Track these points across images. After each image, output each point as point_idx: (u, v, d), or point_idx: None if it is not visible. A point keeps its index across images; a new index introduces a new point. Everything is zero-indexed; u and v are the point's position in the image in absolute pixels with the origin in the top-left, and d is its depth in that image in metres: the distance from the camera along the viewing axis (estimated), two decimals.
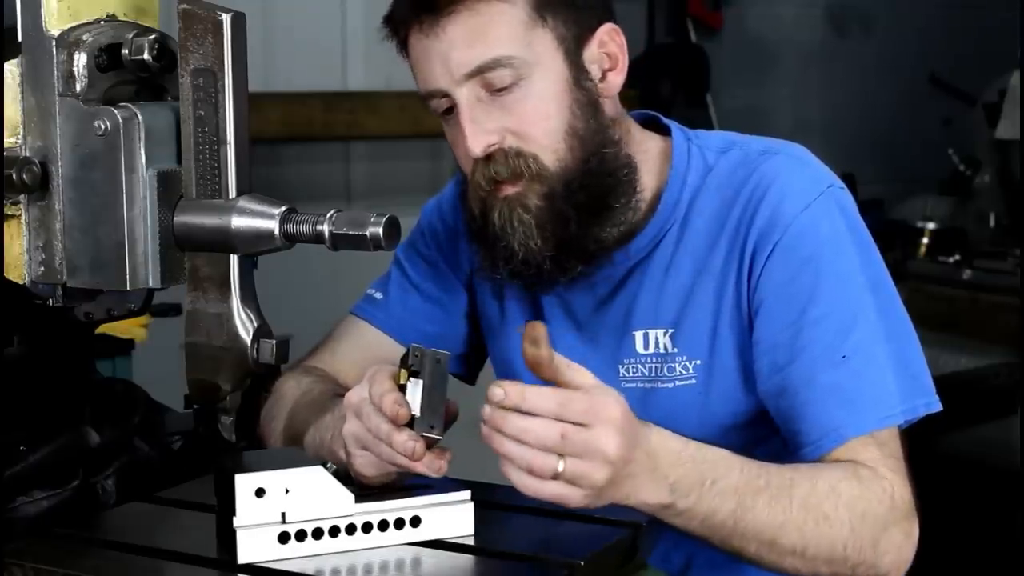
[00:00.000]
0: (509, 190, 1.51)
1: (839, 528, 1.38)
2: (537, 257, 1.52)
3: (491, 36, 1.48)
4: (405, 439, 1.27)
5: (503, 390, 1.24)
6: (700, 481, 1.33)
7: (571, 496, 1.26)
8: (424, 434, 1.27)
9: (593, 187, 1.53)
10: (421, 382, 1.28)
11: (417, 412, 1.28)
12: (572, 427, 1.23)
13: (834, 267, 1.50)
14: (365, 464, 1.33)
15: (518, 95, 1.50)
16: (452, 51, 1.48)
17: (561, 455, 1.24)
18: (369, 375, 1.32)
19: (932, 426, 1.54)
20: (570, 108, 1.52)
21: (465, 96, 1.50)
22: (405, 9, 1.52)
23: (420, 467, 1.29)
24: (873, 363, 1.47)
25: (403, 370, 1.30)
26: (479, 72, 1.48)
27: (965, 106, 5.06)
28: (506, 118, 1.50)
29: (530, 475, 1.25)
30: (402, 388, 1.29)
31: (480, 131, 1.50)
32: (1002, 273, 4.01)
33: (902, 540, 1.42)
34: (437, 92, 1.52)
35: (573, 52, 1.53)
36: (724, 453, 1.37)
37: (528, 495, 1.26)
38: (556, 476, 1.24)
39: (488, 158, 1.50)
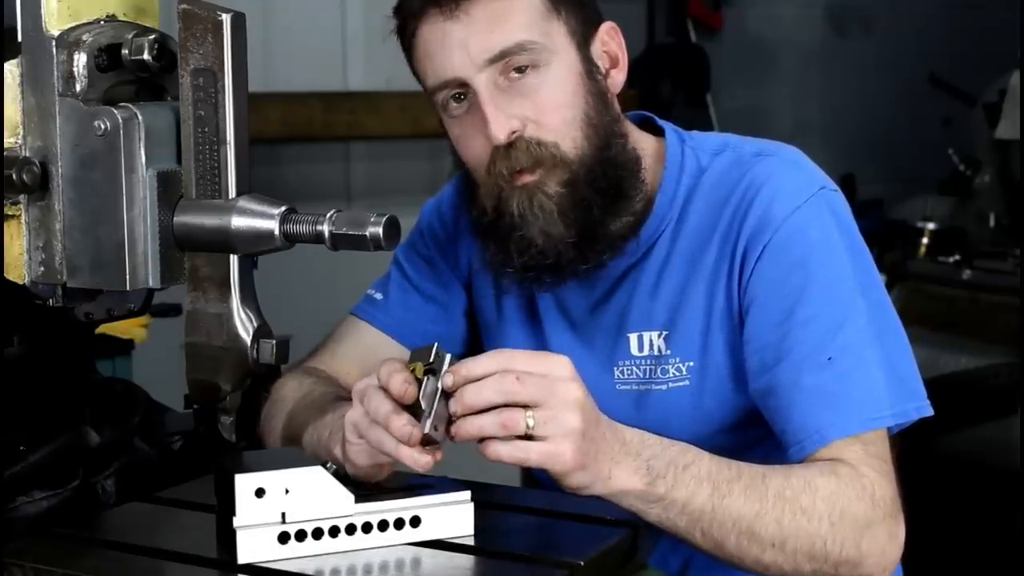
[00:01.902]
0: (528, 178, 1.51)
1: (818, 523, 1.37)
2: (558, 245, 1.52)
3: (512, 21, 1.49)
4: (403, 423, 1.26)
5: (450, 375, 1.27)
6: (673, 462, 1.35)
7: (559, 451, 1.27)
8: (426, 431, 1.27)
9: (612, 175, 1.54)
10: (436, 381, 1.28)
11: (428, 409, 1.27)
12: (525, 374, 1.26)
13: (824, 269, 1.50)
14: (358, 452, 1.32)
15: (536, 82, 1.50)
16: (473, 36, 1.48)
17: (526, 407, 1.25)
18: (380, 363, 1.32)
19: (932, 426, 1.54)
20: (584, 98, 1.53)
21: (485, 82, 1.49)
22: None
23: (405, 457, 1.27)
24: (861, 365, 1.47)
25: (419, 364, 1.29)
26: (501, 57, 1.49)
27: (965, 106, 5.06)
28: (526, 105, 1.50)
29: (510, 443, 1.26)
30: (416, 381, 1.29)
31: (503, 116, 1.49)
32: (1002, 273, 4.00)
33: (886, 541, 1.41)
34: (452, 81, 1.51)
35: (583, 46, 1.54)
36: (688, 445, 1.38)
37: (517, 463, 1.27)
38: (530, 433, 1.26)
39: (508, 148, 1.50)
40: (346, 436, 1.33)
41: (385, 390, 1.28)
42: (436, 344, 1.30)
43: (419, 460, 1.27)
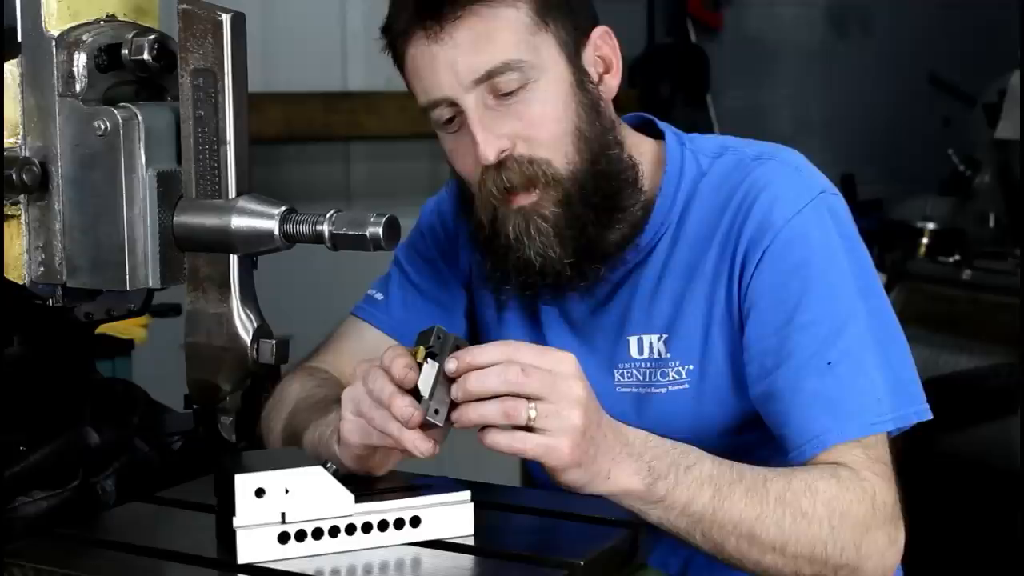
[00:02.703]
0: (522, 200, 1.51)
1: (818, 526, 1.38)
2: (556, 265, 1.52)
3: (498, 41, 1.48)
4: (406, 404, 1.26)
5: (454, 360, 1.27)
6: (675, 464, 1.35)
7: (557, 446, 1.27)
8: (427, 417, 1.27)
9: (605, 188, 1.54)
10: (438, 364, 1.28)
11: (427, 393, 1.27)
12: (530, 367, 1.26)
13: (824, 273, 1.50)
14: (352, 430, 1.32)
15: (525, 99, 1.50)
16: (459, 57, 1.48)
17: (529, 399, 1.26)
18: (385, 350, 1.32)
19: (932, 426, 1.54)
20: (575, 111, 1.52)
21: (473, 102, 1.49)
22: (407, 17, 1.51)
23: (407, 440, 1.27)
24: (860, 370, 1.47)
25: (421, 347, 1.29)
26: (488, 77, 1.48)
27: (965, 106, 5.05)
28: (515, 123, 1.50)
29: (509, 432, 1.26)
30: (418, 366, 1.29)
31: (492, 137, 1.49)
32: (1002, 273, 4.00)
33: (885, 544, 1.41)
34: (442, 100, 1.51)
35: (573, 56, 1.53)
36: (691, 447, 1.38)
37: (515, 453, 1.27)
38: (531, 424, 1.26)
39: (499, 165, 1.50)
40: (343, 412, 1.33)
41: (387, 373, 1.28)
42: (437, 327, 1.30)
43: (420, 445, 1.27)
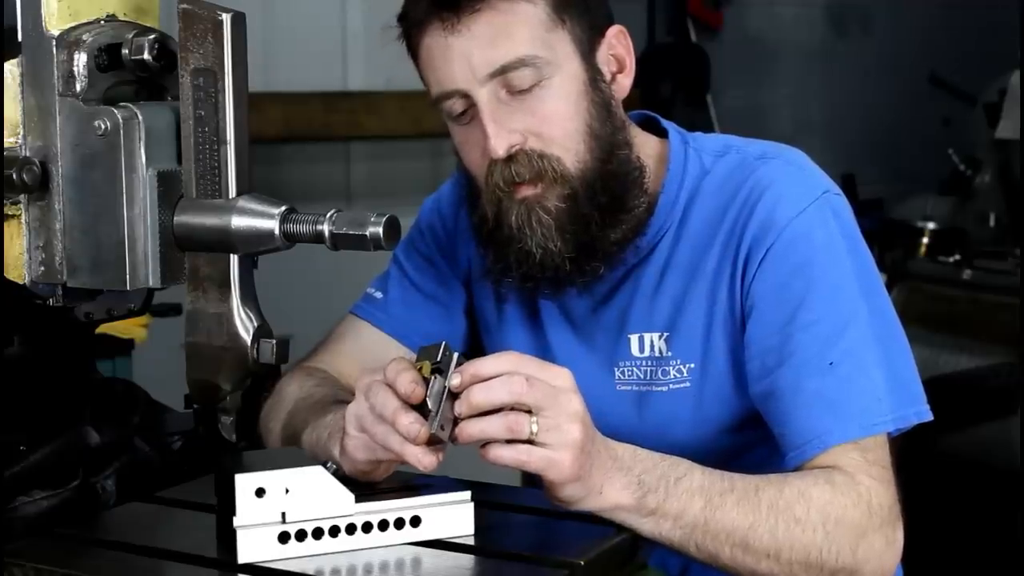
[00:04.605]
0: (527, 191, 1.51)
1: (812, 532, 1.38)
2: (556, 259, 1.52)
3: (515, 36, 1.48)
4: (411, 420, 1.26)
5: (458, 375, 1.27)
6: (664, 476, 1.36)
7: (559, 460, 1.28)
8: (433, 431, 1.27)
9: (613, 188, 1.54)
10: (443, 380, 1.28)
11: (435, 408, 1.27)
12: (533, 379, 1.27)
13: (827, 273, 1.50)
14: (357, 446, 1.32)
15: (539, 96, 1.50)
16: (475, 50, 1.48)
17: (530, 413, 1.26)
18: (388, 362, 1.32)
19: (932, 426, 1.54)
20: (588, 109, 1.52)
21: (486, 96, 1.49)
22: (425, 6, 1.50)
23: (410, 455, 1.27)
24: (862, 370, 1.47)
25: (427, 362, 1.29)
26: (502, 72, 1.48)
27: (965, 106, 5.05)
28: (528, 119, 1.50)
29: (512, 445, 1.27)
30: (424, 381, 1.29)
31: (503, 131, 1.49)
32: (1002, 273, 3.99)
33: (883, 547, 1.41)
34: (455, 92, 1.51)
35: (588, 54, 1.54)
36: (681, 458, 1.39)
37: (518, 466, 1.28)
38: (532, 438, 1.27)
39: (509, 159, 1.50)
40: (346, 429, 1.33)
41: (391, 387, 1.28)
42: (444, 342, 1.30)
43: (423, 460, 1.27)
